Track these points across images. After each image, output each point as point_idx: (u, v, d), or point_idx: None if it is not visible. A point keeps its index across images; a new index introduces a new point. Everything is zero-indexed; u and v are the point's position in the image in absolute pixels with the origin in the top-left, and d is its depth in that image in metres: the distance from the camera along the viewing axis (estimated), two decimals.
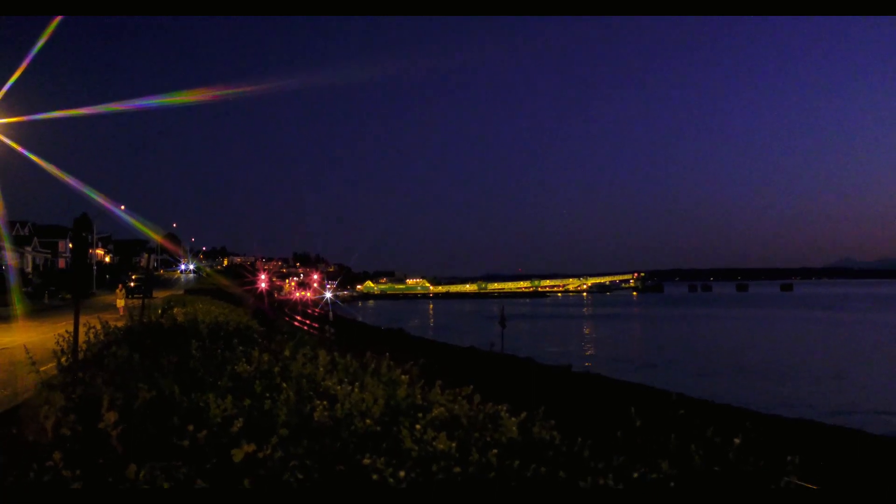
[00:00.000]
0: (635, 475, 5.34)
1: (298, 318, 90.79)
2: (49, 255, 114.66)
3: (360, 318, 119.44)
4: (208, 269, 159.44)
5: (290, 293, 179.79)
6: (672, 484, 5.27)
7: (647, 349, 74.63)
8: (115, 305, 46.58)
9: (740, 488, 5.52)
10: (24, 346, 9.40)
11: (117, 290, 51.27)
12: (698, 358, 64.16)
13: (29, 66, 44.03)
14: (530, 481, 5.26)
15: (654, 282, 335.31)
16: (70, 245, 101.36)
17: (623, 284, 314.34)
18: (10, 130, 43.55)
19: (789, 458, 5.87)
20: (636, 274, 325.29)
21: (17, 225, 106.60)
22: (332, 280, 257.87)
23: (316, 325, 71.32)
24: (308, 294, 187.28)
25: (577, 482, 5.23)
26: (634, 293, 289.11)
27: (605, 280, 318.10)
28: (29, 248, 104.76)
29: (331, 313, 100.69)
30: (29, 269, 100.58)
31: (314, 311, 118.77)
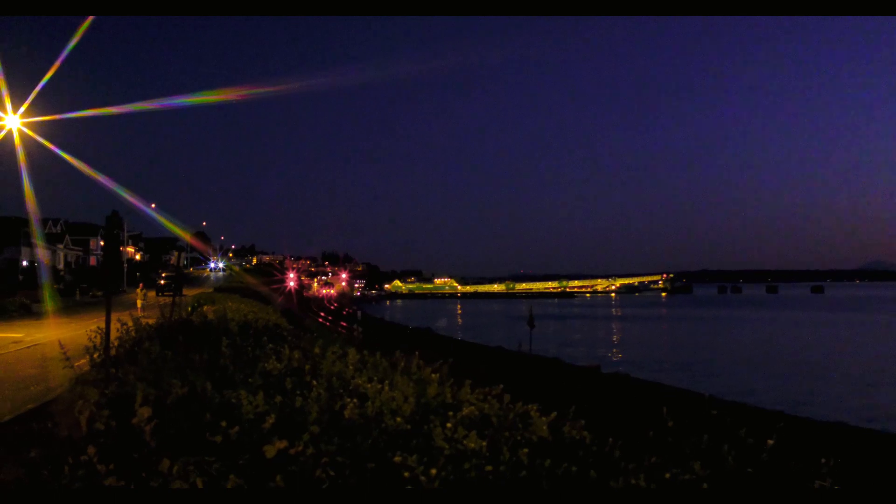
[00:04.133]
0: (667, 476, 5.31)
1: (322, 314, 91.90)
2: (81, 253, 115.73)
3: (386, 318, 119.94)
4: (236, 267, 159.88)
5: (317, 291, 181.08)
6: (705, 485, 5.24)
7: (676, 350, 74.18)
8: (136, 305, 43.58)
9: (774, 490, 5.47)
10: (59, 341, 9.49)
11: (137, 290, 49.10)
12: (727, 360, 63.68)
13: (61, 65, 44.38)
14: (561, 480, 5.24)
15: (682, 283, 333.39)
16: (101, 243, 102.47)
17: (652, 285, 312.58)
18: (43, 129, 43.93)
19: (823, 460, 5.82)
20: (665, 275, 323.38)
21: (50, 222, 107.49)
22: (360, 279, 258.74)
23: (342, 323, 71.65)
24: (332, 292, 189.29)
25: (609, 482, 5.21)
26: (663, 294, 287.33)
27: (634, 281, 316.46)
28: (61, 246, 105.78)
29: (359, 312, 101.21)
30: (61, 266, 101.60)
31: (335, 307, 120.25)
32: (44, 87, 41.71)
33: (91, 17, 41.76)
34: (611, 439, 6.06)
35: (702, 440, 6.05)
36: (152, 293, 62.83)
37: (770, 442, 5.91)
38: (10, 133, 41.81)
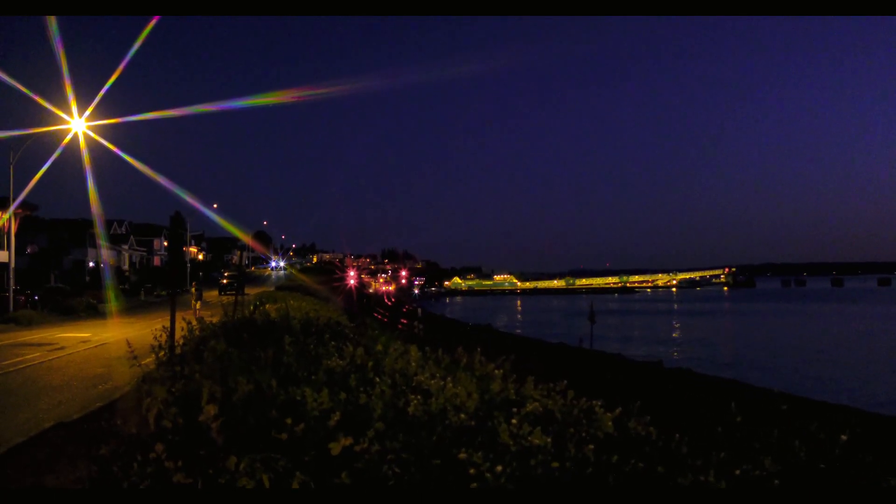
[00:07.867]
0: (737, 472, 5.21)
1: (382, 311, 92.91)
2: (145, 253, 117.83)
3: (446, 314, 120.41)
4: (290, 268, 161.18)
5: (377, 289, 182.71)
6: (776, 481, 5.13)
7: (738, 345, 73.12)
8: (191, 305, 39.68)
9: (848, 486, 5.35)
10: (127, 340, 9.64)
11: (191, 290, 47.00)
12: (789, 354, 62.59)
13: (123, 69, 45.25)
14: (628, 477, 5.18)
15: (745, 277, 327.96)
16: (165, 243, 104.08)
17: (713, 280, 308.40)
18: (107, 132, 44.83)
19: None
20: (727, 269, 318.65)
21: (115, 224, 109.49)
22: (419, 276, 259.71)
23: (402, 320, 72.07)
24: (392, 289, 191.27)
25: (677, 478, 5.13)
26: (725, 288, 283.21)
27: (695, 275, 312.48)
28: (126, 247, 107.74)
29: (419, 309, 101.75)
30: (126, 267, 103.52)
31: (392, 302, 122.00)
32: (107, 91, 42.56)
33: (153, 22, 42.49)
34: (677, 435, 5.97)
35: (771, 435, 5.94)
36: (214, 293, 63.59)
37: (843, 437, 5.78)
38: (75, 137, 42.74)
